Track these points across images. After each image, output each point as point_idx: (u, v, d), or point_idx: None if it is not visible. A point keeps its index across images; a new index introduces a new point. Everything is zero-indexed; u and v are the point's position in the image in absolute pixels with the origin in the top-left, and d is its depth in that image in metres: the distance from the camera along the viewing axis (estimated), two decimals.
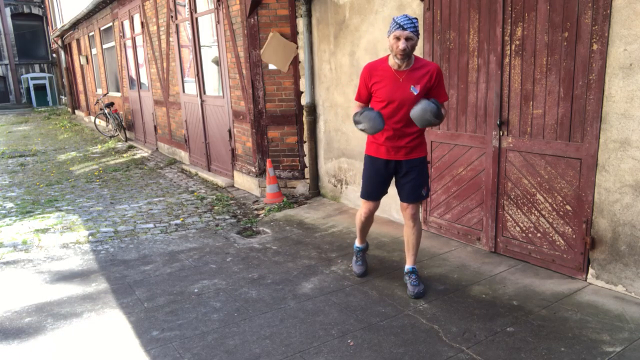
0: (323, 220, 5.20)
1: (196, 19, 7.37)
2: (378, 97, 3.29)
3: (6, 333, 3.14)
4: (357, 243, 3.86)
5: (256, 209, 5.81)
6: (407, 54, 3.12)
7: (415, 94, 3.20)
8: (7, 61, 28.89)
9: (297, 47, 5.89)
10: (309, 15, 5.68)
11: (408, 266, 3.57)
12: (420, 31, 4.40)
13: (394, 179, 3.51)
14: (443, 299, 3.39)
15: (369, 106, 3.36)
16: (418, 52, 4.47)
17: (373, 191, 3.52)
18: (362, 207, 3.62)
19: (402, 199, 3.46)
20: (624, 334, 2.86)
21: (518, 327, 2.99)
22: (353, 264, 3.87)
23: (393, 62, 3.22)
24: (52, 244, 4.78)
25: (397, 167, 3.41)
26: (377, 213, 5.16)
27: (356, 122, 3.24)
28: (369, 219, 3.66)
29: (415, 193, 3.40)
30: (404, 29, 3.05)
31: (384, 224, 4.90)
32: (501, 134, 3.88)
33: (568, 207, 3.54)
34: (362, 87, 3.36)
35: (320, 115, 5.84)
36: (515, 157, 3.82)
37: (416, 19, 3.12)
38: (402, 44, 3.07)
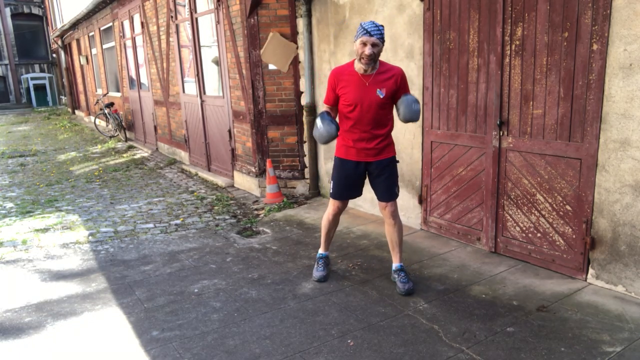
0: None
1: (196, 19, 7.37)
2: (345, 100, 3.38)
3: (6, 332, 3.14)
4: (321, 250, 3.86)
5: (256, 209, 5.81)
6: (372, 59, 3.22)
7: (382, 97, 3.31)
8: (7, 61, 28.89)
9: (297, 47, 5.89)
10: (309, 15, 5.68)
11: (396, 264, 3.61)
12: (420, 31, 4.40)
13: (367, 181, 3.59)
14: (443, 299, 3.39)
15: (337, 109, 3.49)
16: (418, 51, 4.47)
17: (343, 192, 3.59)
18: (330, 206, 3.68)
19: (380, 199, 3.54)
20: (624, 334, 2.86)
21: (518, 327, 2.99)
22: (314, 269, 3.84)
23: (359, 66, 3.31)
24: (52, 244, 4.78)
25: (368, 168, 3.49)
26: (378, 214, 5.18)
27: (315, 128, 3.39)
28: (336, 219, 3.73)
29: (390, 191, 3.49)
30: (370, 35, 3.15)
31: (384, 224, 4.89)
32: (501, 134, 3.88)
33: (568, 207, 3.54)
34: (330, 91, 3.45)
35: None
36: (515, 157, 3.82)
37: (382, 26, 3.23)
38: (368, 50, 3.17)
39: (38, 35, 30.07)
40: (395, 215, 3.52)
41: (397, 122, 4.83)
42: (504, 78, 3.79)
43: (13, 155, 10.48)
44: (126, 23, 10.93)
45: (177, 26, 8.11)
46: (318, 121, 3.36)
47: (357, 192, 3.62)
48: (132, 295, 3.63)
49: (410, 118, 3.35)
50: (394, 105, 3.46)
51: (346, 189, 3.57)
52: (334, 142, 3.59)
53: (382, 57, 4.82)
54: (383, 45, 3.23)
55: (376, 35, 3.15)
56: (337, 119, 3.50)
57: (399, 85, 3.35)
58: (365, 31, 3.16)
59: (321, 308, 3.34)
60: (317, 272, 3.78)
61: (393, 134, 4.87)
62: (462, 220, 4.34)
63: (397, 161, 3.56)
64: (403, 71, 3.40)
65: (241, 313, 3.31)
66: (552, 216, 3.65)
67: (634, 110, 3.08)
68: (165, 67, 8.88)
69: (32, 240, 4.89)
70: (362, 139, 3.40)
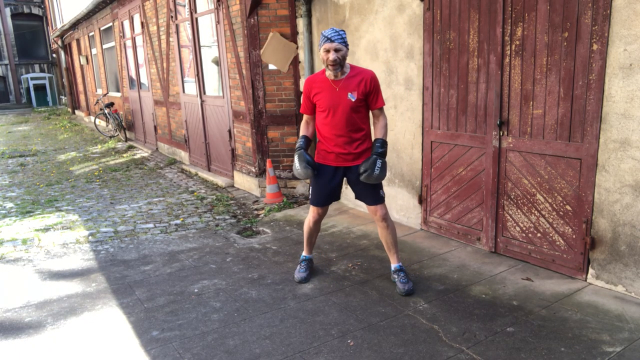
0: (323, 220, 5.19)
1: (196, 19, 7.37)
2: (320, 106, 3.45)
3: (6, 332, 3.14)
4: (304, 253, 3.90)
5: (256, 209, 5.81)
6: (338, 64, 3.28)
7: (353, 100, 3.35)
8: (7, 61, 28.89)
9: (297, 47, 5.90)
10: (309, 15, 5.68)
11: (395, 265, 3.63)
12: (420, 31, 4.40)
13: (348, 187, 3.59)
14: (443, 299, 3.39)
15: (314, 117, 3.56)
16: (418, 52, 4.47)
17: (322, 197, 3.60)
18: (310, 213, 3.72)
19: (367, 203, 3.55)
20: (624, 334, 2.86)
21: (518, 327, 2.99)
22: (296, 270, 3.86)
23: (329, 73, 3.37)
24: (52, 244, 4.78)
25: (347, 173, 3.51)
26: None
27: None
28: (317, 225, 3.76)
29: (375, 195, 3.50)
30: (331, 41, 3.23)
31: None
32: (501, 134, 3.88)
33: (568, 207, 3.54)
34: (305, 99, 3.53)
35: None
36: (515, 157, 3.82)
37: (343, 31, 3.31)
38: (332, 55, 3.24)
39: (38, 35, 30.07)
40: (386, 217, 3.54)
41: (397, 122, 4.84)
42: (504, 78, 3.79)
43: (13, 155, 10.48)
44: (126, 23, 10.93)
45: (177, 26, 8.11)
46: (296, 160, 3.45)
47: (336, 197, 3.65)
48: (132, 295, 3.63)
49: (374, 179, 3.34)
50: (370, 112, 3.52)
51: (325, 195, 3.59)
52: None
53: (382, 57, 4.83)
54: (347, 49, 3.30)
55: (337, 41, 3.22)
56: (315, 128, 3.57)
57: (369, 88, 3.37)
58: (326, 39, 3.24)
59: (321, 308, 3.34)
60: (299, 273, 3.80)
61: (393, 134, 4.88)
62: (462, 220, 4.34)
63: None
64: (374, 74, 3.43)
65: (241, 313, 3.31)
66: (552, 216, 3.65)
67: (634, 110, 3.08)
68: (165, 67, 8.88)
69: (32, 240, 4.89)
70: (340, 143, 3.43)
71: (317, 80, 3.45)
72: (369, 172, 3.31)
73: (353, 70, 3.40)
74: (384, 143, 3.40)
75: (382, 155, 3.36)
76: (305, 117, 3.61)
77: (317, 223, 3.73)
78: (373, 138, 3.50)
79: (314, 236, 3.83)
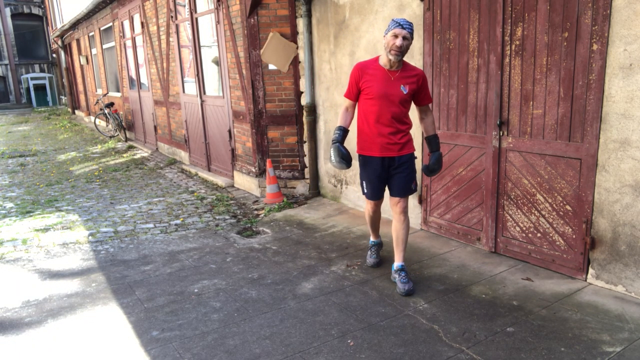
0: (323, 220, 5.21)
1: (196, 19, 7.37)
2: (368, 94, 3.43)
3: (6, 332, 3.14)
4: (372, 238, 4.03)
5: (256, 209, 5.81)
6: (401, 52, 3.28)
7: (405, 92, 3.38)
8: (7, 61, 28.89)
9: (297, 47, 5.90)
10: (309, 15, 5.68)
11: (397, 263, 3.62)
12: (420, 31, 4.40)
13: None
14: (443, 299, 3.39)
15: (356, 104, 3.57)
16: (418, 52, 4.47)
17: (376, 191, 3.64)
18: (366, 205, 3.80)
19: (394, 194, 3.57)
20: (624, 334, 2.86)
21: (518, 327, 2.99)
22: (367, 256, 4.03)
23: (385, 61, 3.38)
24: (52, 244, 4.78)
25: (390, 164, 3.53)
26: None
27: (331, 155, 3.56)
28: (376, 213, 3.82)
29: (406, 187, 3.53)
30: (403, 28, 3.25)
31: (384, 224, 4.89)
32: (501, 134, 3.88)
33: (568, 207, 3.54)
34: (352, 85, 3.51)
35: (320, 115, 5.85)
36: (515, 157, 3.82)
37: (412, 23, 3.34)
38: (399, 41, 3.24)
39: (38, 35, 30.07)
40: (405, 212, 3.56)
41: None
42: (504, 78, 3.79)
43: (13, 155, 10.48)
44: (126, 23, 10.93)
45: (177, 26, 8.11)
46: (332, 153, 3.49)
47: (384, 187, 3.68)
48: (132, 295, 3.63)
49: (436, 169, 3.59)
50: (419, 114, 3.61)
51: (379, 188, 3.63)
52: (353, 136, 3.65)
53: None
54: (411, 42, 3.31)
55: (407, 29, 3.24)
56: (356, 116, 3.58)
57: (420, 85, 3.42)
58: (397, 24, 3.25)
59: (321, 308, 3.34)
60: (369, 258, 3.99)
61: None
62: (462, 220, 4.34)
63: (416, 157, 3.60)
64: (425, 74, 3.48)
65: (241, 313, 3.31)
66: (552, 216, 3.65)
67: (634, 110, 3.08)
68: (165, 67, 8.88)
69: (32, 240, 4.89)
70: (385, 133, 3.43)
71: (370, 67, 3.43)
72: (437, 169, 3.56)
73: (407, 66, 3.45)
74: (439, 139, 3.60)
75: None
76: (346, 103, 3.60)
77: (376, 212, 3.79)
78: (425, 134, 3.60)
79: (377, 222, 3.90)
